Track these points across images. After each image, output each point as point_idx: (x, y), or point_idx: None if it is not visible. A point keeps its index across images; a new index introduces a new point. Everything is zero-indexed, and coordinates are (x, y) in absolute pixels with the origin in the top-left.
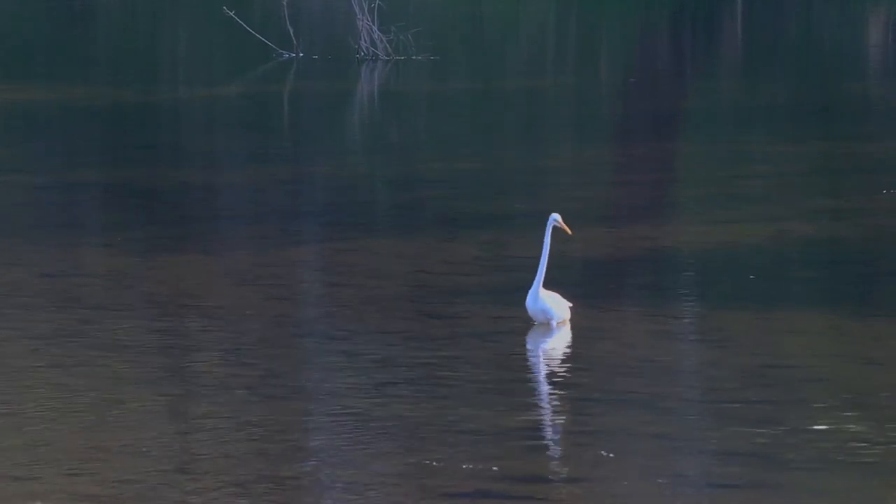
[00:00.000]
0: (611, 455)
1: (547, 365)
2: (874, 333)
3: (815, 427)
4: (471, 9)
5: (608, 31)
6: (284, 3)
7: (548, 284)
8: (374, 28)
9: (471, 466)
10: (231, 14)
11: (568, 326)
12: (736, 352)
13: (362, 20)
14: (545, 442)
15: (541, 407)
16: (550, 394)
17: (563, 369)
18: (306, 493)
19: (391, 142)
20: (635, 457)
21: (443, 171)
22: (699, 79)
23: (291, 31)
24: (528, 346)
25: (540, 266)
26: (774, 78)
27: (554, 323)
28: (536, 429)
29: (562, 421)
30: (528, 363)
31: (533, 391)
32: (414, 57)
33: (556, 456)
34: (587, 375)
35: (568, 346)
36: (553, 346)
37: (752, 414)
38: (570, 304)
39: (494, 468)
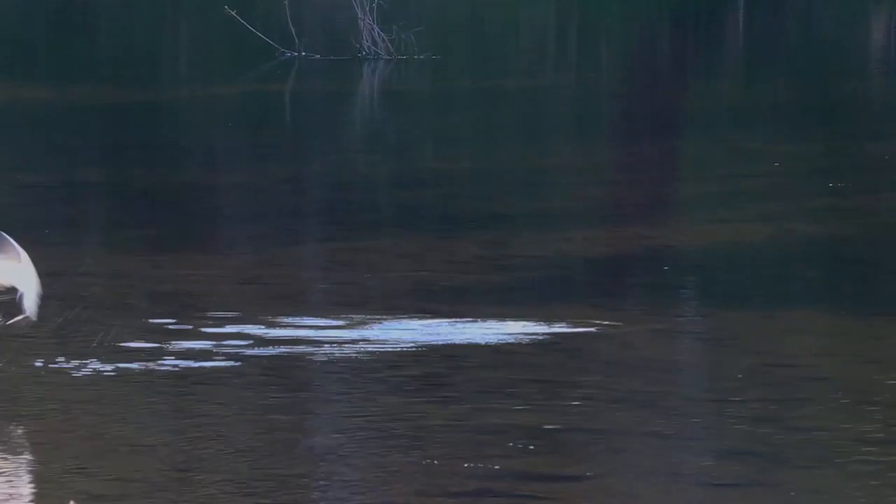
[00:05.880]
0: (611, 455)
1: (547, 364)
2: (876, 333)
3: (816, 427)
4: (472, 8)
5: (608, 31)
6: (286, 2)
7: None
8: (376, 27)
9: (472, 465)
10: (232, 13)
11: (569, 326)
12: (736, 351)
13: (364, 19)
14: (545, 442)
15: (541, 407)
16: (551, 394)
17: (563, 369)
18: (307, 492)
19: (392, 141)
20: (635, 456)
21: (443, 170)
22: (699, 78)
23: (293, 31)
24: (529, 346)
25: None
26: (775, 77)
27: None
28: (536, 428)
29: (562, 421)
30: (528, 362)
31: (533, 391)
32: (416, 56)
33: (557, 455)
34: (587, 375)
35: (568, 346)
36: (553, 345)
37: (752, 413)
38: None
39: (496, 467)
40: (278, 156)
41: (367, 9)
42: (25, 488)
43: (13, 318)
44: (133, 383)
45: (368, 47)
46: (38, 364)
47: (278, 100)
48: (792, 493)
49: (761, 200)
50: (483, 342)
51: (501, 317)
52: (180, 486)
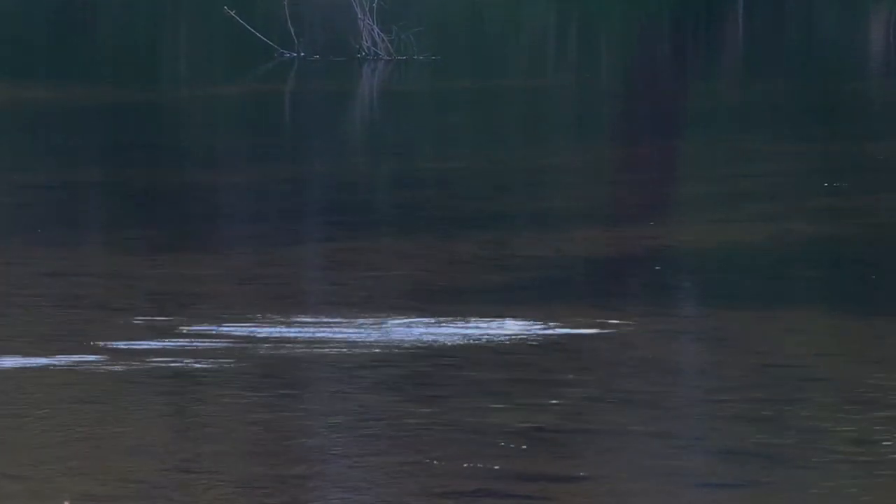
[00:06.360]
0: (610, 455)
1: (547, 365)
2: (875, 333)
3: (815, 427)
4: (471, 9)
5: (608, 31)
6: (286, 2)
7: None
8: (376, 28)
9: (471, 465)
10: (232, 14)
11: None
12: (736, 351)
13: (363, 20)
14: (545, 442)
15: (541, 407)
16: (550, 394)
17: (563, 369)
18: (306, 492)
19: (392, 141)
20: (635, 456)
21: (443, 170)
22: (699, 78)
23: (293, 31)
24: (529, 346)
25: None
26: (775, 77)
27: None
28: (536, 429)
29: (562, 421)
30: (529, 363)
31: (533, 391)
32: (415, 56)
33: (557, 456)
34: (587, 375)
35: (568, 346)
36: (553, 345)
37: (752, 413)
38: None
39: (496, 467)
40: (278, 156)
41: (367, 9)
42: (24, 488)
43: None
44: (133, 383)
45: (368, 48)
46: (38, 364)
47: (278, 100)
48: (790, 494)
49: (761, 200)
50: (482, 342)
51: (501, 317)
52: (180, 486)
